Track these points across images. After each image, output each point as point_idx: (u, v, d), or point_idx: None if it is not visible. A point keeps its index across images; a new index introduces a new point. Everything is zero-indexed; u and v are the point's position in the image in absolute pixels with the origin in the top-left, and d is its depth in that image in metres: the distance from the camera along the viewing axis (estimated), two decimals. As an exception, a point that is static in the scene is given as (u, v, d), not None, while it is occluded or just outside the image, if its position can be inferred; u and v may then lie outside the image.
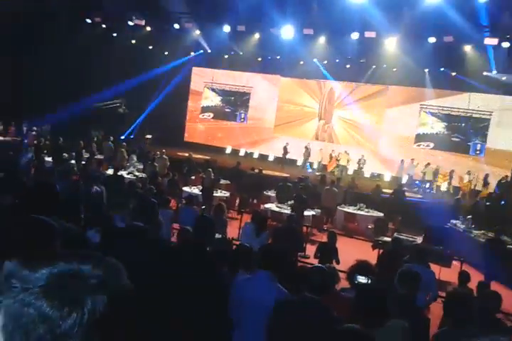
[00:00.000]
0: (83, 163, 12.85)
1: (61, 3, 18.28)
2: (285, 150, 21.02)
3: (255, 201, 14.18)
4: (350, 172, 20.12)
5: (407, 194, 14.93)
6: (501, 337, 0.75)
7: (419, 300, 5.46)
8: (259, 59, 22.32)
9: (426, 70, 19.32)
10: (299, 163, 21.52)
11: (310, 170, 20.35)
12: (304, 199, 11.79)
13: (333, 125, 22.37)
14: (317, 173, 18.78)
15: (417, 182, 19.08)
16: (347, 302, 3.80)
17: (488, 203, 14.50)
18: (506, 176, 17.43)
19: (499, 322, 4.22)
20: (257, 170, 14.93)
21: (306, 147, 20.98)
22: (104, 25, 21.32)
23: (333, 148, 21.39)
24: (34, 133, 17.77)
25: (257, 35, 20.27)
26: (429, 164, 18.74)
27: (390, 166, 20.32)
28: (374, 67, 20.09)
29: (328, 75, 21.56)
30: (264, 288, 3.56)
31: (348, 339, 2.41)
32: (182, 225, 6.92)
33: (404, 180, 19.19)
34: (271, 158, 22.63)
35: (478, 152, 19.56)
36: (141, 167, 15.24)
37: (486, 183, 17.42)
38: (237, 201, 13.64)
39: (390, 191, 14.78)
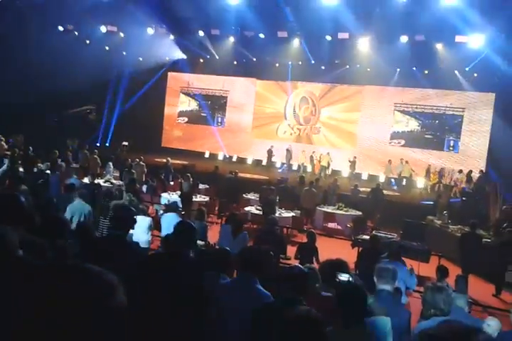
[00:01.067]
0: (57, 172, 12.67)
1: (33, 10, 18.05)
2: (270, 154, 21.07)
3: (234, 205, 14.17)
4: (328, 172, 20.28)
5: (385, 192, 15.10)
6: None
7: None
8: (235, 62, 22.37)
9: (398, 69, 19.58)
10: (278, 165, 21.61)
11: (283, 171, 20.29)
12: (272, 201, 11.82)
13: (310, 126, 22.51)
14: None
15: (392, 180, 19.36)
16: (327, 301, 3.82)
17: (463, 198, 14.78)
18: (481, 171, 17.77)
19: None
20: (232, 174, 14.92)
21: (287, 149, 21.05)
22: (76, 33, 21.14)
23: (311, 149, 21.52)
24: (5, 143, 17.42)
25: (231, 39, 20.32)
26: (407, 162, 19.04)
27: (367, 166, 20.55)
28: (347, 66, 20.25)
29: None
30: (246, 292, 3.55)
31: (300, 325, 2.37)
32: (164, 232, 6.89)
33: (382, 179, 19.46)
34: (249, 161, 22.68)
35: (451, 148, 19.92)
36: (118, 174, 15.09)
37: (469, 179, 17.68)
38: (217, 205, 13.62)
39: (368, 189, 14.94)
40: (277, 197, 12.51)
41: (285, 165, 20.94)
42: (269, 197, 12.07)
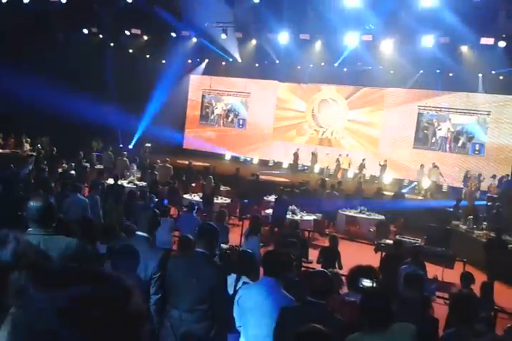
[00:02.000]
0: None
1: (57, 14, 18.37)
2: (296, 157, 21.02)
3: (256, 207, 14.16)
4: (350, 175, 20.15)
5: (407, 196, 14.95)
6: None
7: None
8: (257, 65, 22.40)
9: (421, 71, 19.31)
10: (300, 167, 21.55)
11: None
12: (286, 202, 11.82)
13: (331, 129, 22.41)
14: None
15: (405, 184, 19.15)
16: (351, 306, 3.79)
17: (489, 203, 14.51)
18: (507, 175, 17.44)
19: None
20: (254, 177, 14.93)
21: (312, 153, 20.96)
22: (101, 35, 21.44)
23: (334, 152, 21.42)
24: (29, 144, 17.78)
25: (253, 42, 20.36)
26: (437, 166, 18.66)
27: (391, 168, 20.32)
28: (370, 67, 20.02)
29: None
30: (270, 295, 3.55)
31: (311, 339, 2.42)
32: (182, 232, 6.93)
33: (405, 183, 19.28)
34: (271, 164, 22.66)
35: (477, 152, 19.59)
36: (140, 176, 15.25)
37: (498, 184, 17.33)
38: (238, 207, 13.65)
39: (391, 193, 14.79)
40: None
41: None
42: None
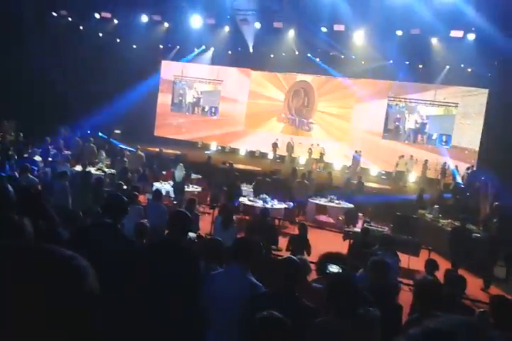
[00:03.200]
0: (50, 159, 12.59)
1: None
2: (275, 147, 20.98)
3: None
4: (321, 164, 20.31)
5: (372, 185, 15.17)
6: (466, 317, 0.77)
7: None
8: (230, 52, 22.21)
9: (391, 61, 19.40)
10: (270, 156, 21.59)
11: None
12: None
13: (303, 119, 22.49)
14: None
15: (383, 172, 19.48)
16: (319, 293, 3.84)
17: (454, 194, 14.87)
18: (472, 166, 17.89)
19: (465, 307, 4.35)
20: (227, 164, 14.90)
21: (289, 142, 20.95)
22: (70, 19, 20.88)
23: (304, 141, 21.52)
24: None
25: (226, 28, 20.16)
26: (402, 156, 18.98)
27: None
28: (342, 56, 20.05)
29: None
30: (237, 282, 3.54)
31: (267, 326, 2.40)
32: (150, 221, 6.87)
33: (374, 173, 19.61)
34: (242, 152, 22.64)
35: (444, 143, 20.01)
36: (109, 163, 15.02)
37: (444, 172, 17.91)
38: (209, 196, 13.61)
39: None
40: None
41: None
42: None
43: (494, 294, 4.98)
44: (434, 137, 20.21)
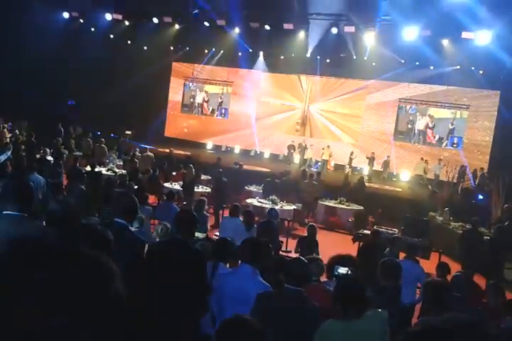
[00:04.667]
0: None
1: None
2: (290, 149, 20.90)
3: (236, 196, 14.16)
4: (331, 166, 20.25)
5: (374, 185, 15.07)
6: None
7: (409, 295, 5.54)
8: (240, 54, 22.24)
9: (402, 61, 19.20)
10: (281, 157, 21.58)
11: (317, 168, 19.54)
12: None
13: (315, 120, 22.46)
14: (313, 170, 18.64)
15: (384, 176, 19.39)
16: (328, 294, 3.83)
17: (465, 196, 14.76)
18: (482, 168, 17.74)
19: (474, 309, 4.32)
20: (237, 166, 14.92)
21: (300, 143, 20.89)
22: (81, 20, 21.07)
23: (317, 143, 21.50)
24: (7, 129, 17.44)
25: (237, 30, 20.20)
26: (423, 160, 18.72)
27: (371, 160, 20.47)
28: (354, 57, 19.93)
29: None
30: (246, 282, 3.55)
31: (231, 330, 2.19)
32: (161, 220, 6.90)
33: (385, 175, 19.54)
34: (252, 153, 22.64)
35: (455, 145, 19.87)
36: (121, 163, 15.10)
37: (462, 176, 17.66)
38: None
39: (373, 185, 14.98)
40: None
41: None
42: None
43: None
44: (445, 139, 20.07)
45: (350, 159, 19.78)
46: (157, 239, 5.78)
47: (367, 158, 19.78)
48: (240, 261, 3.85)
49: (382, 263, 4.45)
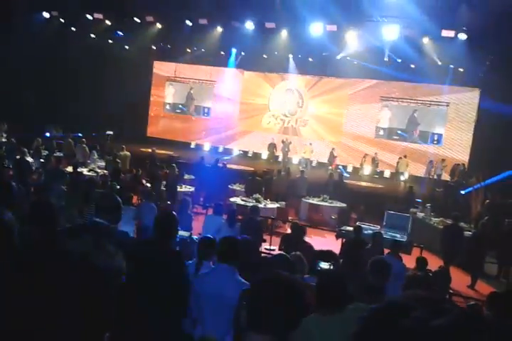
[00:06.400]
0: (41, 160, 12.56)
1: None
2: (272, 147, 20.94)
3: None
4: (314, 164, 20.35)
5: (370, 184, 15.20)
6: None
7: (393, 291, 5.59)
8: (222, 53, 22.21)
9: (386, 59, 19.31)
10: (264, 156, 21.63)
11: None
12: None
13: (296, 118, 22.54)
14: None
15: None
16: (310, 289, 3.85)
17: (446, 191, 14.97)
18: (463, 164, 17.99)
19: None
20: (221, 164, 14.92)
21: (283, 141, 20.92)
22: (62, 20, 20.82)
23: (299, 141, 21.61)
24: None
25: (219, 29, 20.16)
26: (405, 157, 18.99)
27: (352, 159, 20.65)
28: (338, 58, 19.99)
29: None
30: (223, 282, 3.53)
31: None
32: (142, 221, 6.87)
33: (366, 172, 19.68)
34: (235, 152, 22.64)
35: (436, 142, 20.12)
36: (103, 164, 14.98)
37: (452, 173, 17.85)
38: (202, 196, 13.62)
39: (354, 182, 15.07)
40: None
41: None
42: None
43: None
44: (425, 136, 20.31)
45: (333, 156, 19.82)
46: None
47: (364, 157, 19.81)
48: (217, 261, 3.83)
49: (372, 261, 4.41)
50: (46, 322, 0.73)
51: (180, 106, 24.84)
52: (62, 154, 15.75)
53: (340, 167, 19.61)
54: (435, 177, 18.19)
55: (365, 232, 8.75)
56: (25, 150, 12.73)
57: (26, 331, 0.72)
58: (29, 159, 12.27)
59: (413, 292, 0.76)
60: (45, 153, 14.83)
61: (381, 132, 21.01)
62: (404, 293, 0.74)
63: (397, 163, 18.93)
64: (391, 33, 16.92)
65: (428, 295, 0.76)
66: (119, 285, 0.83)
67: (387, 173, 19.72)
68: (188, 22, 19.53)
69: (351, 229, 9.13)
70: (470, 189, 13.98)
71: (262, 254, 7.59)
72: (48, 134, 18.38)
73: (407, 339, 0.68)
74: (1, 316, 0.73)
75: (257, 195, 12.52)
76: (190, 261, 4.51)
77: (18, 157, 12.37)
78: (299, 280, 1.75)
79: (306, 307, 1.59)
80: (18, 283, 0.75)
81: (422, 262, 6.21)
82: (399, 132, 20.66)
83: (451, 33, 16.77)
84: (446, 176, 18.12)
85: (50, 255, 0.78)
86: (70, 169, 11.86)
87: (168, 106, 25.04)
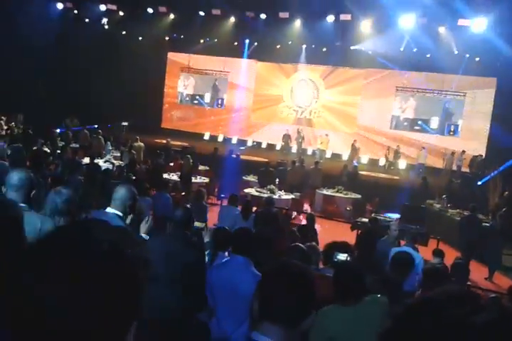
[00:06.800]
0: (58, 151, 12.67)
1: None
2: (286, 138, 20.86)
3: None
4: (328, 155, 20.24)
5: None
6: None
7: (409, 282, 5.57)
8: (235, 43, 22.11)
9: (401, 49, 19.09)
10: (278, 147, 21.58)
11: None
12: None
13: (310, 109, 22.41)
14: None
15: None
16: (326, 281, 3.85)
17: (462, 183, 14.81)
18: (480, 155, 17.78)
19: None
20: (234, 155, 14.93)
21: (298, 131, 20.86)
22: (76, 11, 20.88)
23: (314, 132, 21.52)
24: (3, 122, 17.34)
25: (232, 19, 20.05)
26: (423, 148, 18.76)
27: (368, 149, 20.48)
28: (351, 46, 19.84)
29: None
30: (238, 274, 3.52)
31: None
32: (155, 211, 6.92)
33: (381, 163, 19.55)
34: (249, 143, 22.61)
35: (452, 133, 19.88)
36: (118, 155, 15.08)
37: (472, 163, 17.59)
38: (217, 187, 13.64)
39: (369, 173, 15.00)
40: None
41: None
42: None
43: None
44: (442, 127, 20.07)
45: (355, 148, 19.58)
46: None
47: (387, 150, 19.57)
48: (231, 252, 3.84)
49: (395, 256, 4.36)
50: (71, 311, 0.72)
51: (194, 97, 24.83)
52: (78, 145, 15.89)
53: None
54: (455, 168, 17.96)
55: (381, 224, 8.71)
56: (42, 141, 12.86)
57: (51, 319, 0.71)
58: (46, 149, 12.40)
59: (447, 288, 0.75)
60: (61, 144, 14.97)
61: (396, 123, 20.80)
62: (437, 288, 0.73)
63: (417, 155, 18.74)
64: (407, 22, 16.69)
65: (464, 291, 0.75)
66: (145, 275, 0.83)
67: (402, 165, 19.49)
68: (201, 12, 19.45)
69: (366, 220, 9.10)
70: (487, 178, 13.82)
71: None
72: (63, 125, 18.51)
73: (443, 337, 0.66)
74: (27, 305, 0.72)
75: (272, 186, 12.51)
76: (205, 252, 4.53)
77: (34, 148, 12.50)
78: (309, 269, 1.75)
79: (315, 297, 1.59)
80: (39, 272, 0.74)
81: (438, 254, 6.17)
82: (419, 122, 20.41)
83: (467, 22, 16.49)
84: (465, 168, 17.91)
85: (77, 242, 0.78)
86: (86, 160, 11.96)
87: (182, 98, 25.04)
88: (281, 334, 1.51)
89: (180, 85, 24.97)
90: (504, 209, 10.23)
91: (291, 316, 1.54)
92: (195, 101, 24.80)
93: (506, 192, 12.05)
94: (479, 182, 13.92)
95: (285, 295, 1.55)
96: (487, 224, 10.05)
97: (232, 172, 13.70)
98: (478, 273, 8.64)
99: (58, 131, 15.39)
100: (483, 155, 17.88)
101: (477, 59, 18.26)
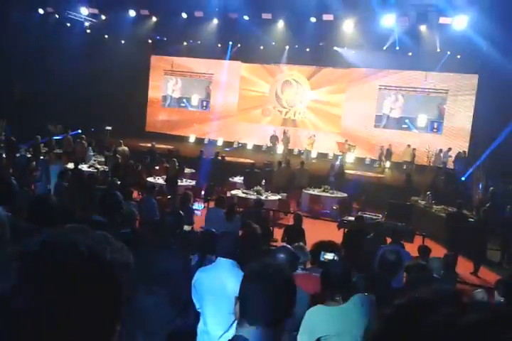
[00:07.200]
0: (41, 157, 12.55)
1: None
2: (274, 139, 20.94)
3: (220, 188, 14.16)
4: (313, 155, 20.30)
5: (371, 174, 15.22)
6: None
7: (397, 280, 5.59)
8: (219, 45, 22.09)
9: (384, 49, 19.19)
10: (264, 148, 21.60)
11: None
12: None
13: (294, 110, 22.47)
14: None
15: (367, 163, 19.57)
16: (315, 280, 3.86)
17: (446, 179, 14.96)
18: (464, 152, 17.97)
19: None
20: (220, 157, 14.91)
21: (284, 132, 20.93)
22: (57, 16, 20.67)
23: (299, 132, 21.60)
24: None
25: (215, 21, 20.02)
26: (409, 146, 19.01)
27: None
28: (335, 48, 19.95)
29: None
30: (224, 276, 3.50)
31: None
32: (141, 216, 6.89)
33: (367, 162, 19.67)
34: (235, 145, 22.59)
35: (435, 130, 20.08)
36: (103, 159, 14.96)
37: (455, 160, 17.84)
38: (203, 189, 13.60)
39: (354, 172, 15.07)
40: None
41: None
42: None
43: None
44: (424, 124, 20.26)
45: (349, 145, 19.66)
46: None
47: (381, 150, 19.68)
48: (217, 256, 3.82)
49: (383, 256, 4.33)
50: (55, 314, 0.72)
51: (178, 99, 24.73)
52: (61, 151, 15.73)
53: (338, 156, 19.52)
54: (441, 165, 18.17)
55: (367, 222, 8.76)
56: (25, 147, 12.72)
57: (36, 324, 0.71)
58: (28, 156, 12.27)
59: (437, 287, 0.75)
60: (44, 150, 14.81)
61: (381, 121, 20.95)
62: (427, 288, 0.72)
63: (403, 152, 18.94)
64: (389, 21, 16.81)
65: (454, 290, 0.76)
66: (126, 280, 0.83)
67: (387, 163, 19.65)
68: (183, 15, 19.39)
69: (353, 219, 9.14)
70: (469, 172, 13.98)
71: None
72: (47, 132, 18.33)
73: (434, 338, 0.66)
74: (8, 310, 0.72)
75: (258, 188, 12.52)
76: (193, 256, 4.52)
77: (17, 155, 12.38)
78: (287, 270, 1.75)
79: (295, 298, 1.60)
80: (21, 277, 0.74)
81: (424, 251, 6.23)
82: (406, 121, 20.56)
83: (448, 20, 16.67)
84: (450, 165, 18.11)
85: (55, 247, 0.77)
86: (70, 165, 11.85)
87: (166, 100, 24.94)
88: (260, 335, 1.52)
89: (163, 88, 24.86)
90: (488, 205, 10.35)
91: (269, 317, 1.54)
92: (182, 104, 24.69)
93: (491, 188, 12.20)
94: (462, 178, 14.07)
95: (262, 296, 1.55)
96: (472, 220, 10.17)
97: (218, 174, 13.68)
98: (463, 268, 8.73)
99: (39, 137, 15.20)
100: (466, 152, 18.08)
101: (458, 56, 18.46)
